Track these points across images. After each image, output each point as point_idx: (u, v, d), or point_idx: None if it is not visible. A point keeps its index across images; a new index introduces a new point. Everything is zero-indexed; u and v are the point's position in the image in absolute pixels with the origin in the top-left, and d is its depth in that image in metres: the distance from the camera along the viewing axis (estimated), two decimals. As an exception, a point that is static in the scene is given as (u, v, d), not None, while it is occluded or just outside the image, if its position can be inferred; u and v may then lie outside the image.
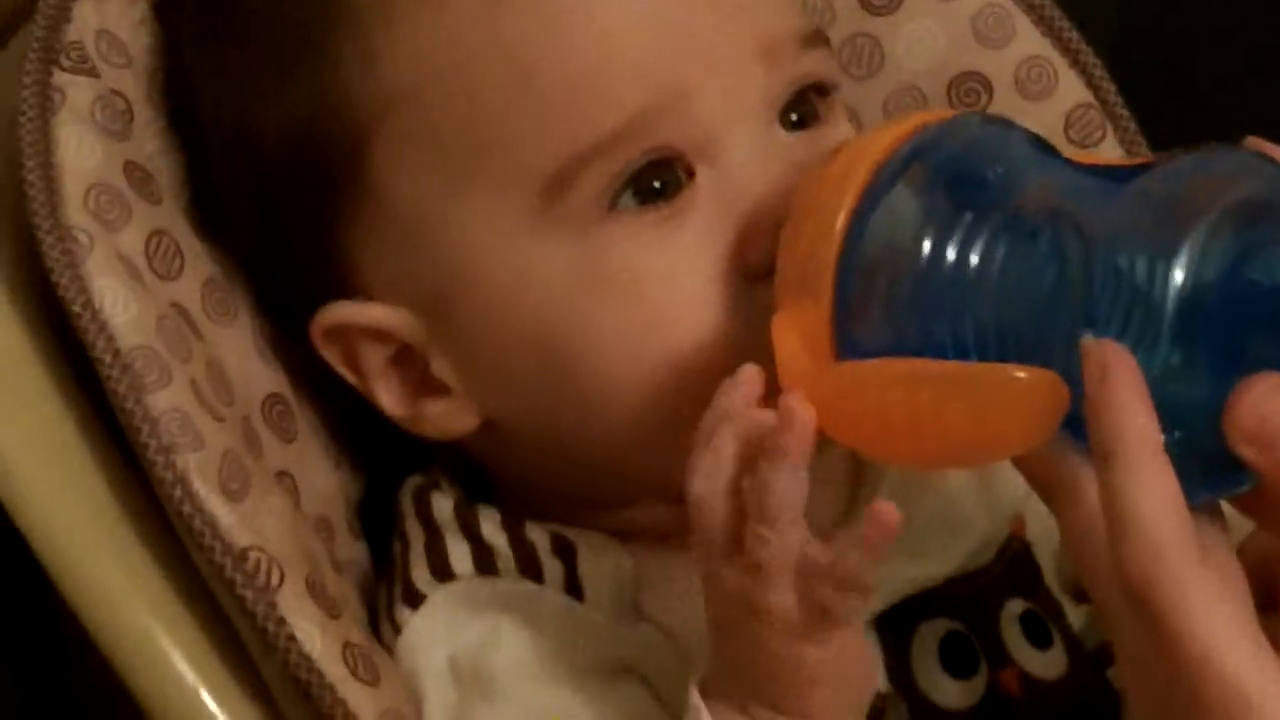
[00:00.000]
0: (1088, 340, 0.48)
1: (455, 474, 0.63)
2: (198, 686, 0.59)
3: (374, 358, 0.61)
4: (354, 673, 0.58)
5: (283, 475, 0.62)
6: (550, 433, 0.60)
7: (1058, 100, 0.73)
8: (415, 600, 0.62)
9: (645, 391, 0.58)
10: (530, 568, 0.62)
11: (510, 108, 0.58)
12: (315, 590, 0.58)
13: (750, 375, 0.52)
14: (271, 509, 0.59)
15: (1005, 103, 0.73)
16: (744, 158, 0.58)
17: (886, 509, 0.49)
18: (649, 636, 0.61)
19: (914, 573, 0.63)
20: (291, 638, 0.56)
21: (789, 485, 0.50)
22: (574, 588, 0.62)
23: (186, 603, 0.60)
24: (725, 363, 0.56)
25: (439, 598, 0.63)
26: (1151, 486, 0.47)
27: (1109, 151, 0.73)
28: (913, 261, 0.51)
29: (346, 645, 0.58)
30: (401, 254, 0.60)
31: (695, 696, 0.55)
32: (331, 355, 0.61)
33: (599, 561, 0.62)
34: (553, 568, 0.62)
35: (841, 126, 0.61)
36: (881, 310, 0.51)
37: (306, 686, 0.57)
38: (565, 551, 0.62)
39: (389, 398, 0.61)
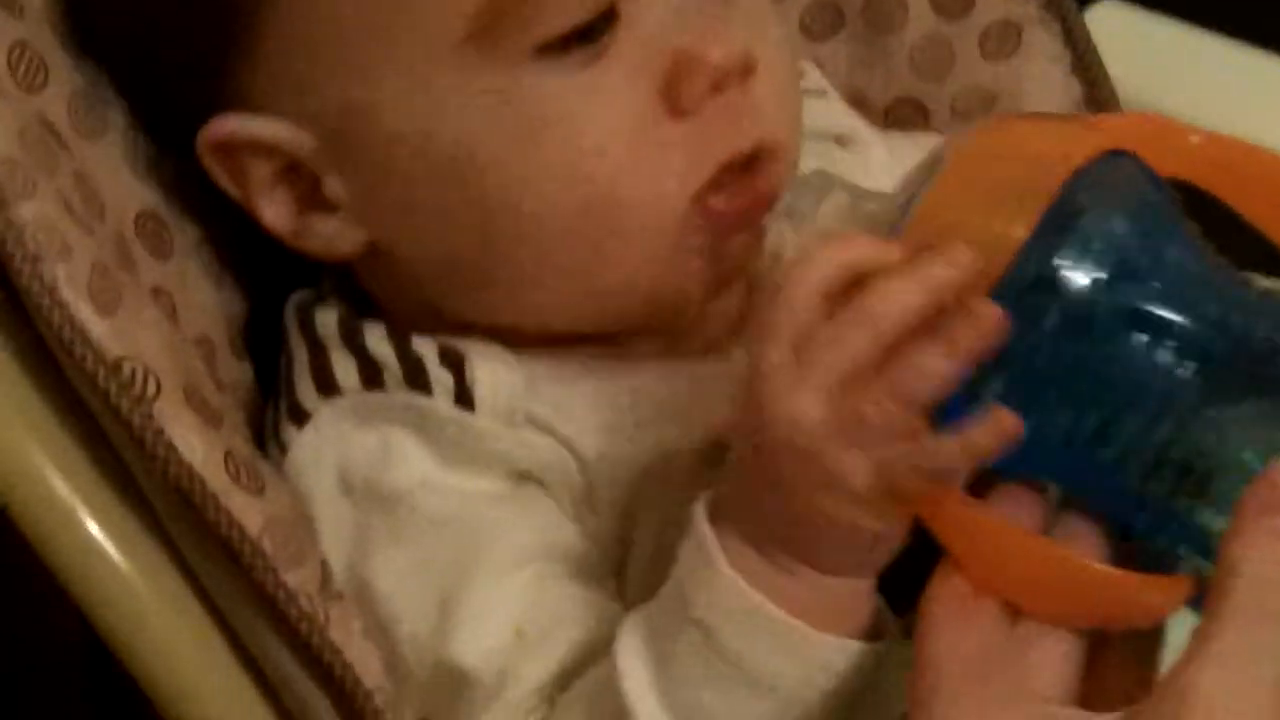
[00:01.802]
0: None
1: (342, 292, 0.62)
2: (74, 504, 0.58)
3: (259, 171, 0.60)
4: (236, 480, 0.57)
5: (158, 292, 0.61)
6: (448, 257, 0.60)
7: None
8: (301, 418, 0.62)
9: (565, 222, 0.59)
10: (418, 380, 0.62)
11: None
12: (194, 400, 0.58)
13: (966, 260, 0.51)
14: (146, 323, 0.58)
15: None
16: (666, 5, 0.58)
17: (1007, 417, 0.49)
18: (543, 444, 0.62)
19: None
20: (170, 446, 0.56)
21: (941, 376, 0.49)
22: (464, 398, 0.62)
23: (64, 423, 0.59)
24: (646, 196, 0.58)
25: (325, 413, 0.62)
26: None
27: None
28: (1056, 343, 0.51)
29: (228, 454, 0.58)
30: (310, 74, 0.59)
31: (703, 524, 0.55)
32: (216, 168, 0.61)
33: (488, 370, 0.62)
34: (441, 378, 0.61)
35: None
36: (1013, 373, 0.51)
37: (188, 496, 0.56)
38: (453, 362, 0.62)
39: (272, 212, 0.61)
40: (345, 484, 0.62)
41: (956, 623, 0.52)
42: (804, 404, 0.51)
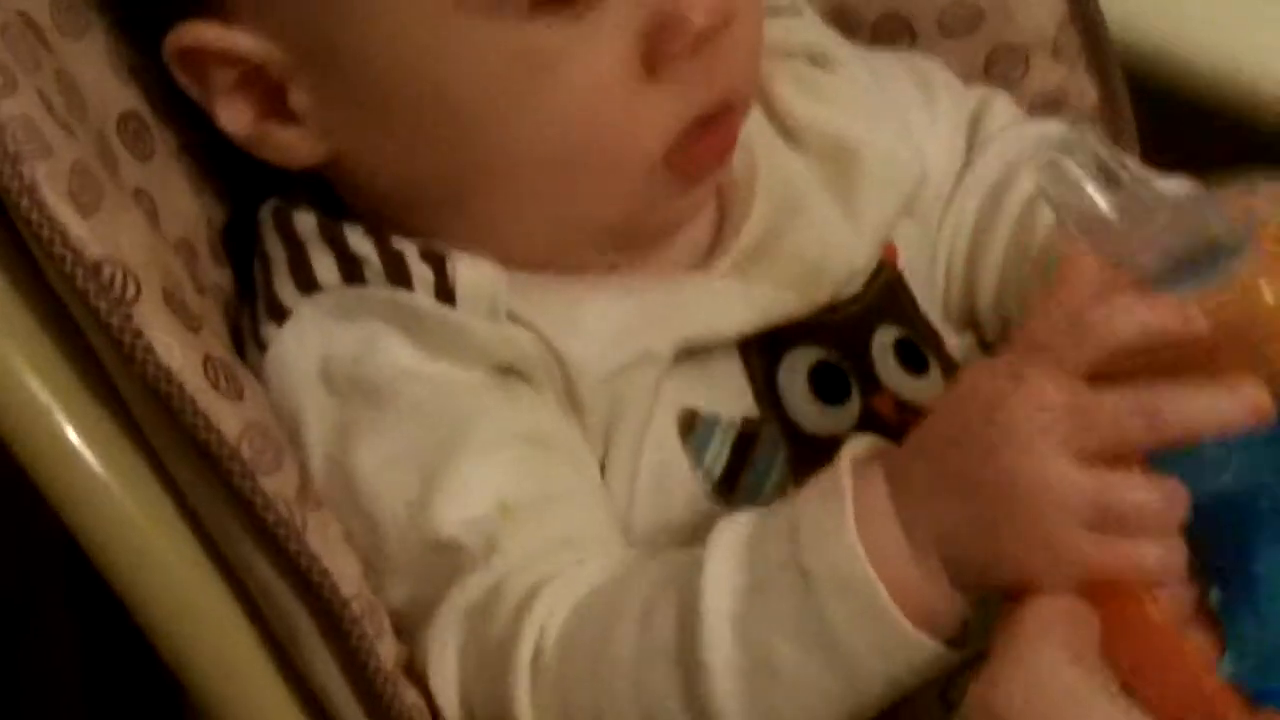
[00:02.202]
0: None
1: (317, 196, 0.63)
2: (51, 408, 0.59)
3: (222, 77, 0.62)
4: (215, 385, 0.58)
5: (140, 193, 0.62)
6: (412, 180, 0.63)
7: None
8: (281, 315, 0.63)
9: (539, 159, 0.61)
10: (399, 275, 0.63)
11: None
12: (174, 304, 0.59)
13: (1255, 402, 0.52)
14: (127, 224, 0.59)
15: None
16: None
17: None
18: (525, 338, 0.63)
19: (785, 300, 0.66)
20: (149, 349, 0.56)
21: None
22: (445, 293, 0.63)
23: (42, 325, 0.59)
24: (621, 145, 0.61)
25: (306, 310, 0.63)
26: None
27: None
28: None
29: (207, 359, 0.58)
30: None
31: (846, 476, 0.55)
32: (179, 71, 0.62)
33: (469, 266, 0.63)
34: (422, 273, 0.63)
35: None
36: None
37: (166, 400, 0.57)
38: (435, 259, 0.63)
39: (228, 115, 0.62)
40: (327, 377, 0.63)
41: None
42: (1068, 474, 0.52)
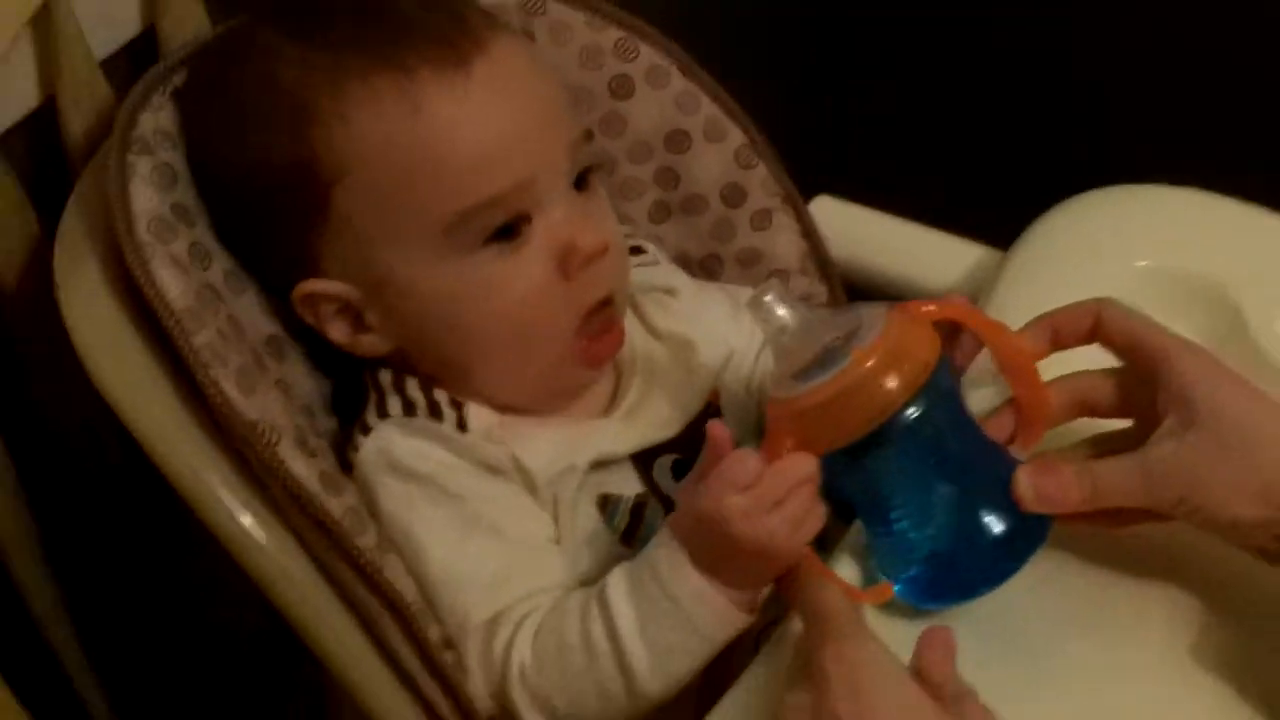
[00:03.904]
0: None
1: (393, 367, 0.82)
2: (235, 509, 0.77)
3: (327, 309, 0.81)
4: (326, 488, 0.77)
5: (279, 382, 0.80)
6: (437, 358, 0.82)
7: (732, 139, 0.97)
8: (367, 431, 0.81)
9: (502, 339, 0.80)
10: (435, 412, 0.82)
11: (423, 179, 0.76)
12: (300, 443, 0.77)
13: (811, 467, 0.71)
14: (271, 399, 0.77)
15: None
16: (558, 213, 0.79)
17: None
18: (505, 454, 0.81)
19: (655, 431, 0.87)
20: (286, 469, 0.75)
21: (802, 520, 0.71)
22: (462, 425, 0.82)
23: (229, 459, 0.77)
24: (548, 327, 0.80)
25: (381, 427, 0.81)
26: None
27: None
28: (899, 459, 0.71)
29: (322, 473, 0.77)
30: (351, 255, 0.79)
31: (671, 538, 0.74)
32: (302, 310, 0.81)
33: (476, 411, 0.82)
34: (449, 413, 0.81)
35: (599, 189, 0.84)
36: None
37: (298, 498, 0.75)
38: (457, 405, 0.82)
39: (335, 332, 0.82)
40: (393, 469, 0.80)
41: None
42: (769, 523, 0.71)
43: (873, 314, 0.71)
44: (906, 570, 0.73)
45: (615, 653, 0.75)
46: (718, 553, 0.73)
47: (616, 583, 0.76)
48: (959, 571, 0.73)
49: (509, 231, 0.79)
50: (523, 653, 0.78)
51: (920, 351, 0.70)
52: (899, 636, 0.69)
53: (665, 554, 0.74)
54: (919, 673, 0.65)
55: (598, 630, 0.76)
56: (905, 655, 0.67)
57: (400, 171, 0.77)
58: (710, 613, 0.75)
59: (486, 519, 0.80)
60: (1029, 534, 0.72)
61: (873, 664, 0.64)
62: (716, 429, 0.73)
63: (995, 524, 0.72)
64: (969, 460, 0.74)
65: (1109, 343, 0.74)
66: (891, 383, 0.69)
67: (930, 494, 0.72)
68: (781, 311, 0.72)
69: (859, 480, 0.73)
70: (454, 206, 0.77)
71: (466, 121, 0.77)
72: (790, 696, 0.65)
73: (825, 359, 0.70)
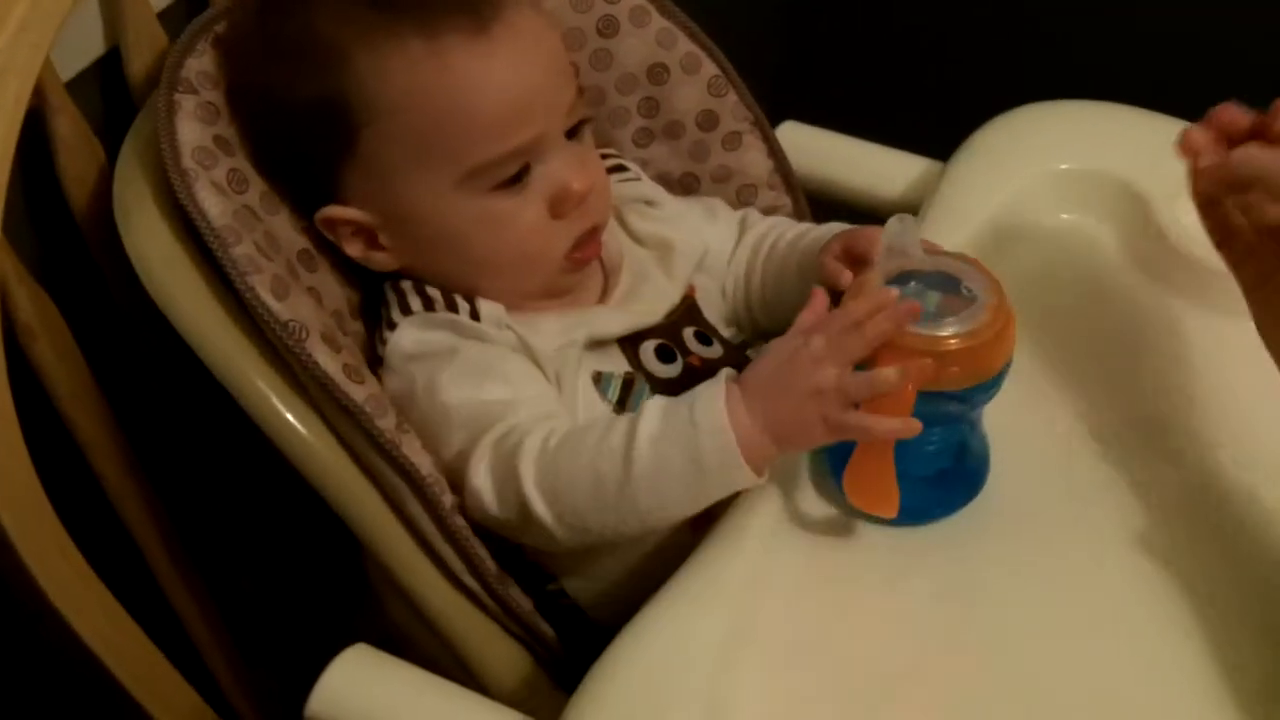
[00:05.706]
0: None
1: (410, 277, 0.91)
2: (279, 405, 0.86)
3: (345, 230, 0.90)
4: (349, 378, 0.85)
5: (311, 289, 0.88)
6: (443, 273, 0.91)
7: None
8: (393, 326, 0.89)
9: (504, 265, 0.89)
10: (452, 305, 0.90)
11: (450, 132, 0.83)
12: (329, 340, 0.84)
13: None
14: (302, 304, 0.85)
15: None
16: (556, 161, 0.87)
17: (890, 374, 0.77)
18: (514, 337, 0.89)
19: (640, 318, 0.94)
20: (315, 363, 0.82)
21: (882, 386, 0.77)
22: (475, 315, 0.90)
23: (271, 357, 0.85)
24: (545, 254, 0.89)
25: (404, 321, 0.90)
26: None
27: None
28: None
29: (346, 365, 0.85)
30: (373, 189, 0.87)
31: (727, 380, 0.79)
32: (324, 229, 0.89)
33: (486, 303, 0.90)
34: (464, 305, 0.90)
35: (587, 137, 0.91)
36: None
37: (325, 387, 0.83)
38: (469, 299, 0.90)
39: (351, 249, 0.90)
40: (420, 352, 0.89)
41: None
42: (830, 373, 0.77)
43: (956, 265, 0.81)
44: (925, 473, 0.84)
45: (625, 447, 0.80)
46: (774, 382, 0.78)
47: (655, 400, 0.82)
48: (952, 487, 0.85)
49: (515, 177, 0.87)
50: (536, 438, 0.83)
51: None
52: (907, 546, 0.81)
53: (710, 387, 0.80)
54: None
55: (621, 426, 0.81)
56: (911, 564, 0.79)
57: (430, 123, 0.84)
58: (718, 449, 0.79)
59: (500, 372, 0.88)
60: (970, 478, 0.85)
61: None
62: (818, 292, 0.81)
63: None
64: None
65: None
66: (1011, 339, 0.79)
67: (955, 433, 0.84)
68: (905, 240, 0.81)
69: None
70: (476, 159, 0.85)
71: (491, 82, 0.83)
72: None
73: (944, 307, 0.80)
